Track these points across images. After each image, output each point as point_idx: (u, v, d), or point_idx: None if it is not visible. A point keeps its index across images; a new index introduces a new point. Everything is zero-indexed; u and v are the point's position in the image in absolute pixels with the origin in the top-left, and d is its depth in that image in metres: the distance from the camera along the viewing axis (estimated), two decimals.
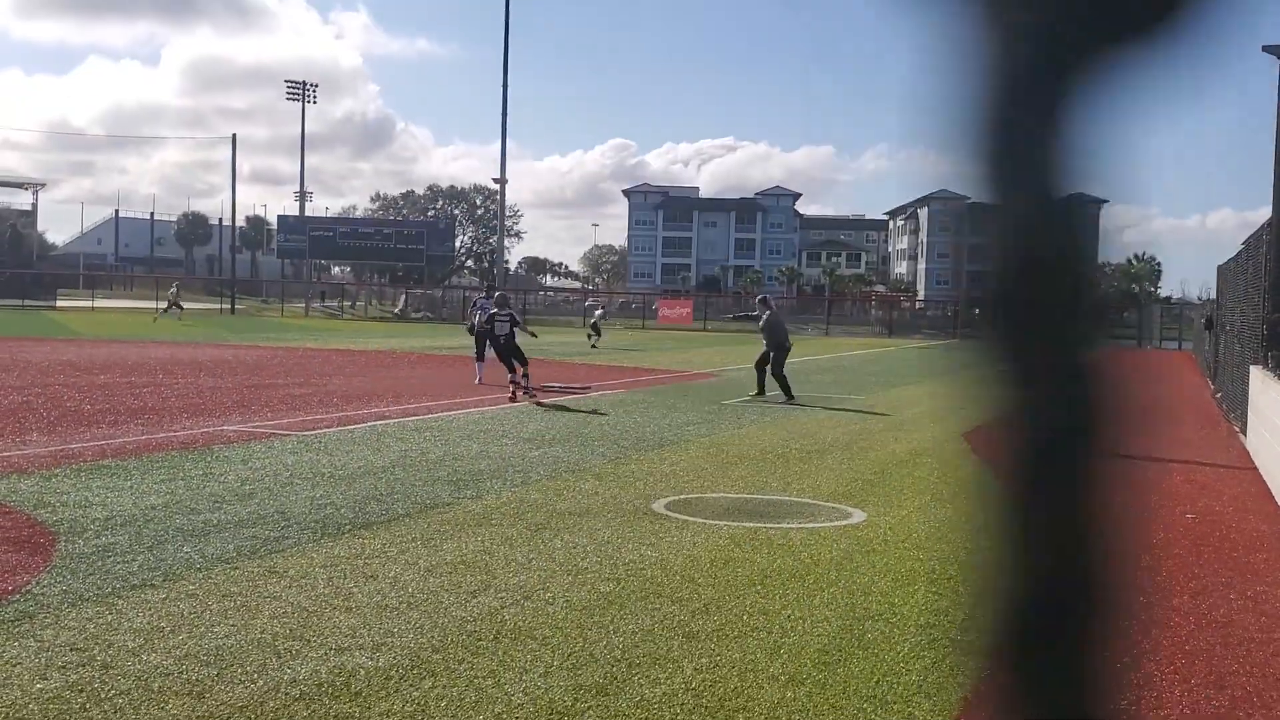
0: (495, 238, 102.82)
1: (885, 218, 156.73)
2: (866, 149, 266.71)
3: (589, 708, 4.78)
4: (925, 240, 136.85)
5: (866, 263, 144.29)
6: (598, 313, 46.06)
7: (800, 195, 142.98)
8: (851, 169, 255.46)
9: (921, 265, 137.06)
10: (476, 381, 21.67)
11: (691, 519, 9.08)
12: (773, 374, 20.43)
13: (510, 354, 19.50)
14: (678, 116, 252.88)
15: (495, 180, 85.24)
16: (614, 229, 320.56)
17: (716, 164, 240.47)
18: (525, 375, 19.36)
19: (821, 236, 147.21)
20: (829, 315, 79.92)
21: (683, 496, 10.13)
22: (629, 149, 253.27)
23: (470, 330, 23.39)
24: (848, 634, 6.05)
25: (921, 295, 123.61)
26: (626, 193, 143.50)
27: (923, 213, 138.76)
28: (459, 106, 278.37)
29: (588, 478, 10.99)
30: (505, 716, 4.66)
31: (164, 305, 57.62)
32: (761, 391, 20.46)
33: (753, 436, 14.88)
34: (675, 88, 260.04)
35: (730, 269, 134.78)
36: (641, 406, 18.43)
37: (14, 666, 5.05)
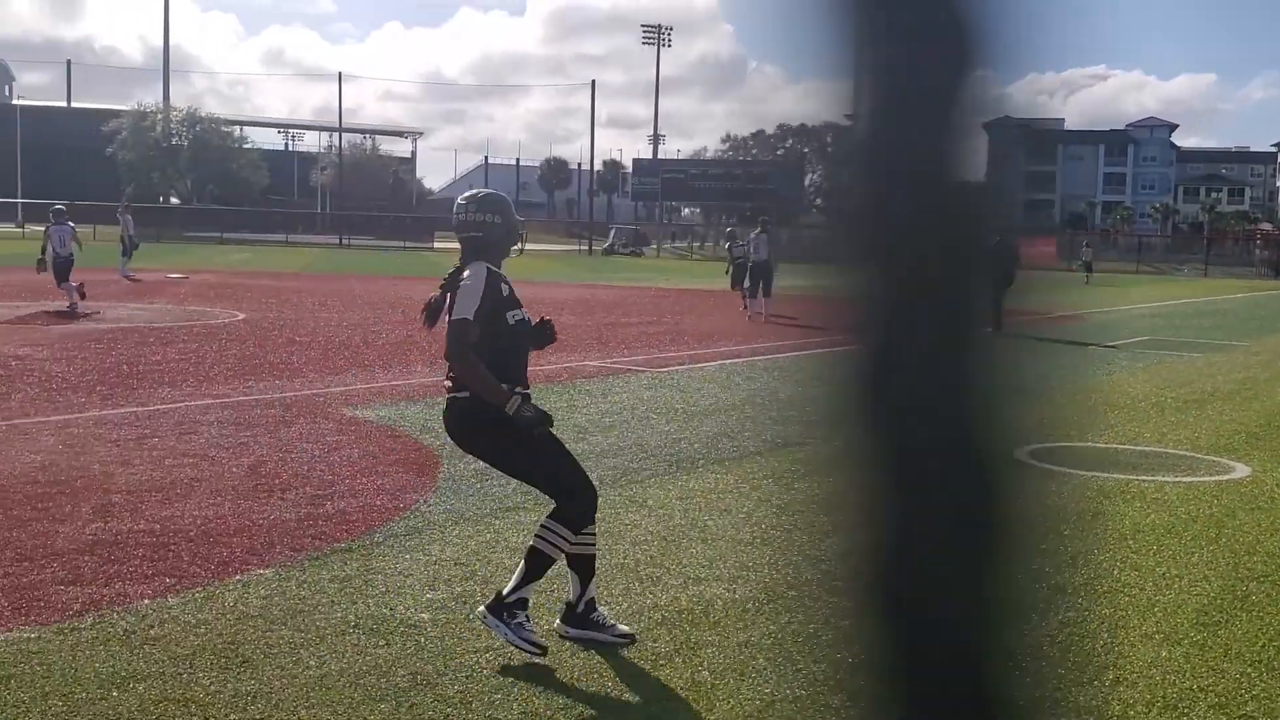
0: None
1: (1273, 149, 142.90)
2: (1253, 76, 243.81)
3: None
4: None
5: (1251, 198, 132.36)
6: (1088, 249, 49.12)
7: (1177, 126, 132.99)
8: (1235, 98, 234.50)
9: None
10: (747, 314, 22.20)
11: (1057, 468, 8.64)
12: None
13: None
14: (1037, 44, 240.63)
15: (846, 116, 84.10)
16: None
17: (1085, 94, 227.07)
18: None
19: (1200, 170, 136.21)
20: (1208, 255, 74.30)
21: (1046, 445, 9.67)
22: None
23: (730, 265, 23.84)
24: (1229, 594, 5.62)
25: None
26: (986, 125, 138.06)
27: None
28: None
29: None
30: (865, 658, 4.63)
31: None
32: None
33: (1123, 383, 14.03)
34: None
35: (1098, 205, 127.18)
36: None
37: (406, 577, 5.51)
